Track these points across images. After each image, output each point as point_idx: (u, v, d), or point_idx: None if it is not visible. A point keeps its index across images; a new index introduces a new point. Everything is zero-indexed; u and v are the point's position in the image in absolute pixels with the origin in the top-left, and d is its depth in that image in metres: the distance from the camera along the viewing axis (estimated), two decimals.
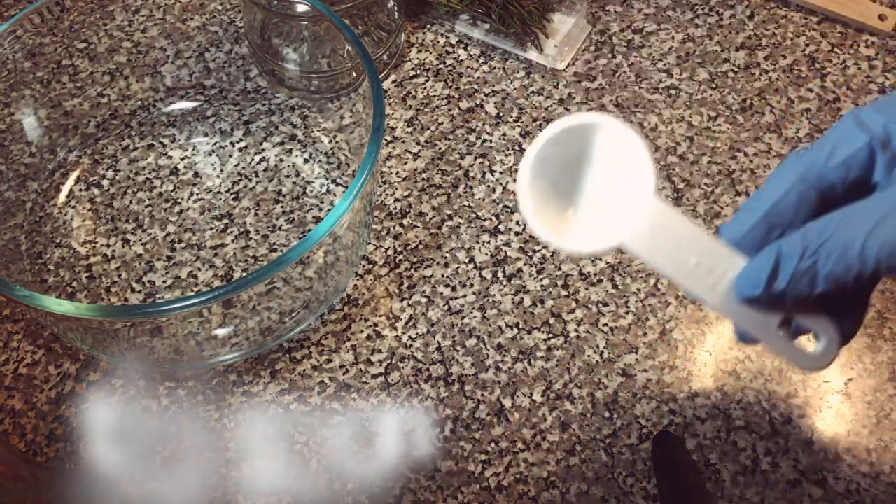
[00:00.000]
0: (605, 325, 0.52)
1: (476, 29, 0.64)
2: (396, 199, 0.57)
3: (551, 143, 0.32)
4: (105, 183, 0.58)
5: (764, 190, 0.31)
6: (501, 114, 0.61)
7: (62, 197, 0.57)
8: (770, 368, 0.51)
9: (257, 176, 0.58)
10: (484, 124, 0.60)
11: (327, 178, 0.58)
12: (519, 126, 0.60)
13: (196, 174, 0.58)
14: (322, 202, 0.57)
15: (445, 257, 0.55)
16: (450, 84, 0.63)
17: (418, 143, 0.60)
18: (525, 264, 0.54)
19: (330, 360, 0.51)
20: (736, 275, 0.31)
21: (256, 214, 0.56)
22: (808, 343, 0.32)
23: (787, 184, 0.31)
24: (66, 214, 0.57)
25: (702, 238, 0.31)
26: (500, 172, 0.58)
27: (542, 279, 0.54)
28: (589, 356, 0.51)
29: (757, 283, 0.30)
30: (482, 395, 0.50)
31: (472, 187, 0.57)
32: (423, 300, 0.53)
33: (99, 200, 0.57)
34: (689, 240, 0.31)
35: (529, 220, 0.32)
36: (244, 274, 0.54)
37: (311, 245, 0.42)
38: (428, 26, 0.66)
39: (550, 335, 0.52)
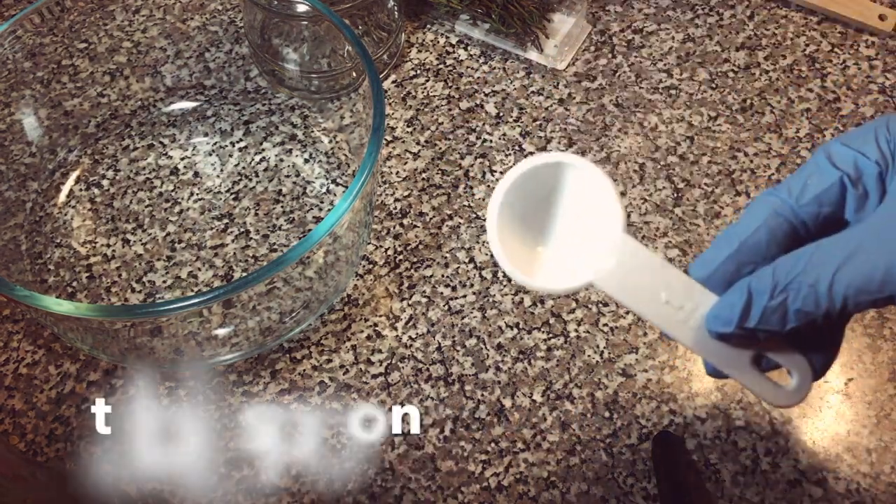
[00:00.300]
0: (605, 324, 0.52)
1: (476, 29, 0.64)
2: (396, 199, 0.57)
3: (520, 181, 0.32)
4: (105, 183, 0.58)
5: (735, 226, 0.31)
6: (501, 114, 0.61)
7: (62, 197, 0.57)
8: None
9: (257, 176, 0.58)
10: (484, 124, 0.60)
11: (327, 178, 0.58)
12: (519, 126, 0.60)
13: (196, 174, 0.58)
14: (322, 202, 0.57)
15: (445, 257, 0.55)
16: (450, 84, 0.63)
17: (418, 143, 0.60)
18: None
19: (330, 360, 0.51)
20: (706, 311, 0.31)
21: (256, 214, 0.56)
22: (779, 377, 0.32)
23: (759, 221, 0.31)
24: (66, 214, 0.57)
25: (671, 274, 0.31)
26: (501, 172, 0.58)
27: None
28: (589, 356, 0.51)
29: (729, 319, 0.30)
30: (482, 395, 0.50)
31: (472, 187, 0.57)
32: (423, 300, 0.53)
33: (99, 200, 0.57)
34: (659, 276, 0.31)
35: (498, 257, 0.32)
36: (244, 274, 0.54)
37: (311, 245, 0.42)
38: (428, 26, 0.66)
39: (550, 335, 0.52)
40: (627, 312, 0.53)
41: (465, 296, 0.53)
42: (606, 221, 0.32)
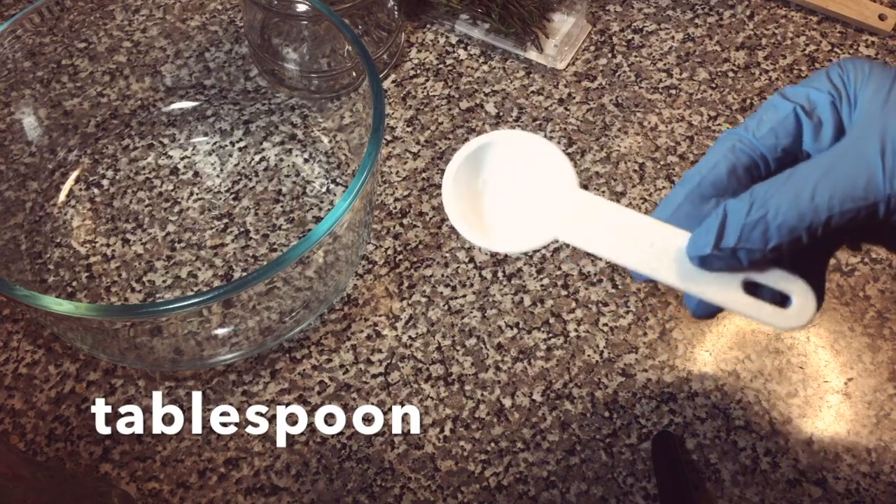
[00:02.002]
0: (605, 324, 0.52)
1: (476, 29, 0.64)
2: (396, 199, 0.57)
3: (470, 159, 0.34)
4: (105, 183, 0.58)
5: (696, 166, 0.32)
6: (501, 113, 0.61)
7: (62, 197, 0.57)
8: (770, 368, 0.51)
9: (257, 175, 0.58)
10: (484, 124, 0.60)
11: (327, 178, 0.58)
12: (519, 126, 0.60)
13: (196, 174, 0.58)
14: (322, 202, 0.57)
15: (445, 257, 0.55)
16: (450, 84, 0.62)
17: (418, 143, 0.60)
18: (525, 264, 0.54)
19: (330, 360, 0.51)
20: (681, 243, 0.31)
21: (256, 214, 0.56)
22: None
23: (718, 156, 0.31)
24: (66, 214, 0.57)
25: (632, 217, 0.32)
26: None
27: (541, 279, 0.54)
28: (589, 356, 0.51)
29: (706, 241, 0.30)
30: (482, 394, 0.50)
31: None
32: (423, 300, 0.53)
33: (99, 200, 0.57)
34: (620, 220, 0.32)
35: (456, 224, 0.33)
36: (244, 274, 0.54)
37: (311, 245, 0.42)
38: (428, 26, 0.66)
39: (550, 335, 0.52)
40: (627, 312, 0.53)
41: (464, 295, 0.53)
42: (560, 182, 0.33)
